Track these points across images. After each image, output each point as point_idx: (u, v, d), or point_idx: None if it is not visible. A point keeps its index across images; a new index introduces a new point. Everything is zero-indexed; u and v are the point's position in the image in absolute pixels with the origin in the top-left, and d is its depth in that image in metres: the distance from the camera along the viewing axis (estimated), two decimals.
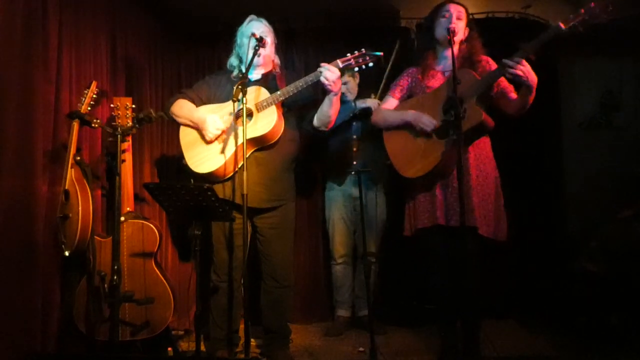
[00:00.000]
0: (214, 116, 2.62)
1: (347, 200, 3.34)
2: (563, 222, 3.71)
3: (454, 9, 2.53)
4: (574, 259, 3.34)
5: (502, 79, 2.47)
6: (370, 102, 3.20)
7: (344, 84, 3.24)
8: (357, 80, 3.39)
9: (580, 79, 4.21)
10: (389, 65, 3.15)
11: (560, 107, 3.89)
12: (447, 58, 2.58)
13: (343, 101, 3.33)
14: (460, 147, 2.21)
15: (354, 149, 3.28)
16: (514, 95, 2.49)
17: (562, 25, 2.25)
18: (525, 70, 2.26)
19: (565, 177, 3.85)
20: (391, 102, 2.69)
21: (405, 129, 2.57)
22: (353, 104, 3.25)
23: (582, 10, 2.24)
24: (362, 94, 3.37)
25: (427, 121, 2.46)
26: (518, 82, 2.34)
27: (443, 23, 2.50)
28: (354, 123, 3.31)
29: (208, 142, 2.64)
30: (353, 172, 3.26)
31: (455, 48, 2.50)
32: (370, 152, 3.23)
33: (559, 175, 3.79)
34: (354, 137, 3.30)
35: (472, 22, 2.61)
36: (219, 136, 2.62)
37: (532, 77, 2.29)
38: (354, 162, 3.24)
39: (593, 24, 2.23)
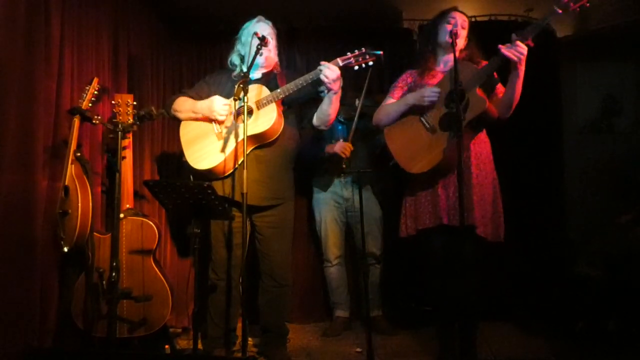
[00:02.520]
0: (219, 97, 2.62)
1: (338, 201, 3.35)
2: (563, 226, 3.71)
3: (459, 17, 2.56)
4: (573, 263, 3.34)
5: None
6: (338, 148, 3.17)
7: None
8: (341, 83, 3.37)
9: (582, 83, 4.22)
10: (366, 82, 3.15)
11: (562, 111, 3.89)
12: (447, 62, 2.61)
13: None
14: (462, 143, 2.20)
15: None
16: (501, 95, 2.50)
17: (557, 10, 2.26)
18: (523, 52, 2.28)
19: (565, 181, 3.85)
20: (390, 102, 2.69)
21: (407, 123, 2.57)
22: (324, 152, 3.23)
23: None
24: (345, 97, 3.37)
25: (431, 92, 2.45)
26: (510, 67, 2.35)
27: (447, 29, 2.51)
28: (339, 127, 3.31)
29: (220, 123, 2.63)
30: (343, 175, 3.28)
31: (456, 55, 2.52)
32: (357, 154, 3.23)
33: (559, 179, 3.79)
34: (340, 140, 3.30)
35: (470, 31, 2.63)
36: (229, 115, 2.61)
37: (523, 68, 2.32)
38: (343, 166, 3.24)
39: (587, 3, 2.23)
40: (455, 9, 2.61)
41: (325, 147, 3.26)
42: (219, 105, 2.59)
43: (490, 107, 2.40)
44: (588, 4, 2.24)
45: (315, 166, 3.39)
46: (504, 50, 2.30)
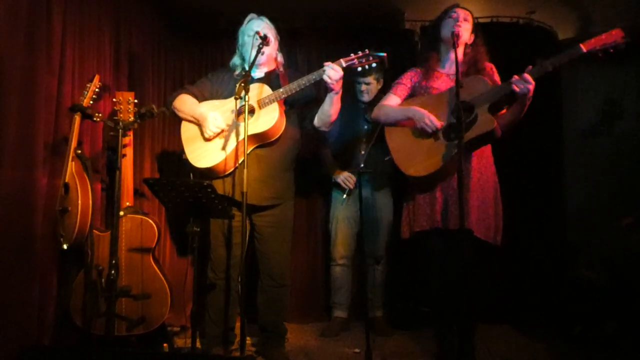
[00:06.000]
0: (216, 114, 2.62)
1: (354, 200, 3.34)
2: (562, 229, 3.71)
3: (461, 11, 2.55)
4: (573, 266, 3.34)
5: None
6: (342, 179, 3.29)
7: (367, 84, 3.30)
8: (380, 86, 3.35)
9: (583, 86, 4.21)
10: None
11: (562, 114, 3.89)
12: (451, 60, 2.58)
13: (359, 100, 3.35)
14: (462, 151, 2.20)
15: (361, 152, 3.28)
16: (503, 110, 2.49)
17: (583, 48, 2.26)
18: (531, 89, 2.28)
19: (565, 184, 3.86)
20: (393, 99, 2.66)
21: (408, 125, 2.56)
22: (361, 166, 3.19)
23: (604, 36, 2.25)
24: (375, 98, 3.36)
25: (430, 122, 2.44)
26: (515, 97, 2.35)
27: (450, 23, 2.51)
28: (365, 126, 3.31)
29: (207, 140, 2.64)
30: (349, 196, 3.31)
31: (460, 50, 2.50)
32: (378, 153, 3.23)
33: (560, 181, 3.79)
34: (364, 139, 3.31)
35: (477, 28, 2.62)
36: (218, 134, 2.62)
37: (530, 97, 2.32)
38: (361, 165, 3.24)
39: (612, 49, 2.24)
40: (457, 5, 2.60)
41: (334, 173, 3.34)
42: (212, 124, 2.59)
43: (497, 127, 2.37)
44: (612, 51, 2.24)
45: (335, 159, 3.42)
46: (513, 84, 2.30)
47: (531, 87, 2.27)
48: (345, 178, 3.29)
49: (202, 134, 2.65)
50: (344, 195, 3.33)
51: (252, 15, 2.74)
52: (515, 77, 2.30)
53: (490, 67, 2.55)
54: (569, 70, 4.04)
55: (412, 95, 2.67)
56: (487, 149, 2.56)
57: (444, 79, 2.59)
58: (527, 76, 2.27)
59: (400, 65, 3.39)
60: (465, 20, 2.52)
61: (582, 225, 3.73)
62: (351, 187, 3.28)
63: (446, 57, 2.61)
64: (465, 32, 2.52)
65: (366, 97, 3.33)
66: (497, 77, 2.54)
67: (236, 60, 2.77)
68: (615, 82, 4.15)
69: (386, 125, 2.66)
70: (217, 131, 2.60)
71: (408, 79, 2.68)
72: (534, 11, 3.71)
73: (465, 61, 2.55)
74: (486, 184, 2.48)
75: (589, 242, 3.36)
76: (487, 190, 2.48)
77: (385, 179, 3.27)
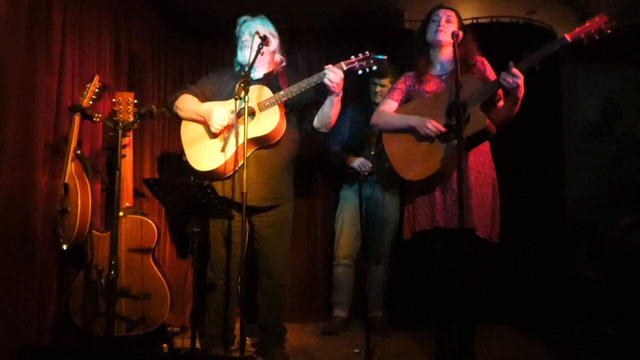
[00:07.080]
0: (221, 108, 2.61)
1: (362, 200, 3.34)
2: (562, 229, 3.71)
3: (443, 13, 2.55)
4: (572, 266, 3.34)
5: None
6: (357, 164, 3.23)
7: (382, 86, 3.31)
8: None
9: (583, 86, 4.21)
10: None
11: (562, 114, 3.89)
12: (441, 62, 2.59)
13: (371, 101, 3.37)
14: (461, 152, 2.20)
15: (372, 152, 3.28)
16: (501, 103, 2.49)
17: (567, 37, 2.26)
18: (520, 83, 2.28)
19: (565, 184, 3.85)
20: (391, 105, 2.68)
21: (407, 131, 2.57)
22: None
23: (588, 24, 2.24)
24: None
25: (432, 127, 2.44)
26: (507, 91, 2.35)
27: (433, 27, 2.53)
28: (376, 127, 3.31)
29: (213, 135, 2.62)
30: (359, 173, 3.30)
31: (449, 50, 2.51)
32: (387, 154, 3.24)
33: (559, 182, 3.79)
34: (374, 140, 3.31)
35: (466, 26, 2.62)
36: (224, 129, 2.61)
37: (522, 90, 2.31)
38: (371, 165, 3.24)
39: (597, 36, 2.24)
40: (440, 6, 2.60)
41: (348, 159, 3.30)
42: (218, 117, 2.57)
43: (490, 124, 2.37)
44: (597, 37, 2.23)
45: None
46: (501, 80, 2.30)
47: (519, 80, 2.27)
48: (361, 163, 3.23)
49: (206, 133, 2.65)
50: (360, 178, 3.30)
51: (244, 17, 2.73)
52: (504, 72, 2.30)
53: (481, 61, 2.55)
54: (569, 70, 4.05)
55: (407, 99, 2.67)
56: (485, 147, 2.55)
57: (435, 81, 2.59)
58: (514, 70, 2.27)
59: (400, 65, 3.40)
60: (447, 22, 2.52)
61: (582, 224, 3.73)
62: (367, 171, 3.20)
63: (435, 59, 2.62)
64: (446, 35, 2.50)
65: (379, 99, 3.33)
66: (489, 71, 2.53)
67: (239, 57, 2.76)
68: (615, 82, 4.15)
69: (385, 131, 2.67)
70: (224, 124, 2.59)
71: (402, 83, 2.70)
72: (534, 11, 3.71)
73: (454, 60, 2.54)
74: (484, 182, 2.48)
75: (588, 242, 3.36)
76: (485, 188, 2.48)
77: (393, 179, 3.27)
